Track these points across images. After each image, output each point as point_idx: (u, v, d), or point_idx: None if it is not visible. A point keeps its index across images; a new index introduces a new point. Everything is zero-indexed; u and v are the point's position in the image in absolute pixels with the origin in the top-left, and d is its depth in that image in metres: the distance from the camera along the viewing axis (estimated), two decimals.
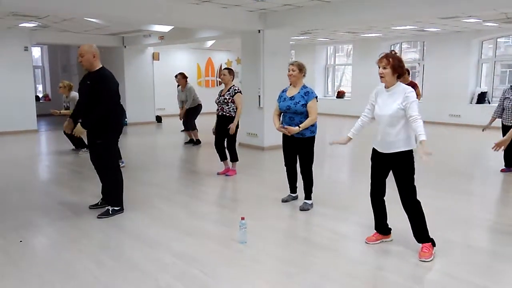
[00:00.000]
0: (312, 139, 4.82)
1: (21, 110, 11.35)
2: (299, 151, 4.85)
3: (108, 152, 4.60)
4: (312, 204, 4.95)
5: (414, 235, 3.65)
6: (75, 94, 7.79)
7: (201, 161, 8.27)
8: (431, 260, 3.49)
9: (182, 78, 9.23)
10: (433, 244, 3.61)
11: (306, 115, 4.67)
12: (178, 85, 9.38)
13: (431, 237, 3.62)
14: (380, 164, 3.68)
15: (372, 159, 3.76)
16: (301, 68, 4.75)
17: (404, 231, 3.87)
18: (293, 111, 4.67)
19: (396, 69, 3.48)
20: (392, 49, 4.11)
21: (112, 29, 11.10)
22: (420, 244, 3.60)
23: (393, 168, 3.61)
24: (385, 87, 3.58)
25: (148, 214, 4.77)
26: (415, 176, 3.57)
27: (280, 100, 4.86)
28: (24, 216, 4.66)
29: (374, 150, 3.72)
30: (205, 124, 11.00)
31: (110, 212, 4.63)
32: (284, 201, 5.13)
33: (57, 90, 8.74)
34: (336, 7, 7.31)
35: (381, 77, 3.53)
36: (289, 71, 4.75)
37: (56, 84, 15.75)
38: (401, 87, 3.51)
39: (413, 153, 3.55)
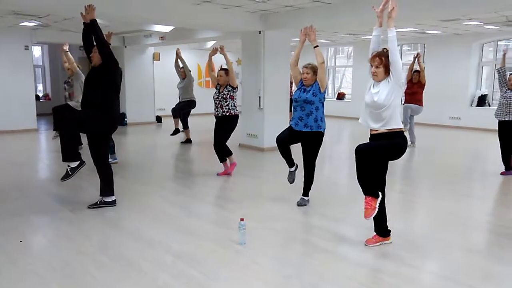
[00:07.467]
0: (319, 135, 4.82)
1: (21, 109, 11.32)
2: (304, 145, 4.87)
3: (105, 143, 4.91)
4: (308, 200, 5.09)
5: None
6: (78, 70, 7.82)
7: (201, 162, 8.26)
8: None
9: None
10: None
11: (316, 106, 4.71)
12: (182, 78, 9.43)
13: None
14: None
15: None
16: (315, 71, 4.75)
17: (404, 233, 3.87)
18: (304, 99, 4.71)
19: (388, 68, 3.51)
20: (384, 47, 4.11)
21: (112, 29, 10.99)
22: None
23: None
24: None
25: (147, 213, 4.77)
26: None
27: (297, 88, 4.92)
28: (23, 215, 4.65)
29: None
30: (203, 125, 11.03)
31: (103, 202, 4.89)
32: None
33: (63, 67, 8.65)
34: (336, 9, 7.30)
35: (373, 75, 3.56)
36: (303, 74, 4.77)
37: (56, 83, 15.88)
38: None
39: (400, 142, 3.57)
